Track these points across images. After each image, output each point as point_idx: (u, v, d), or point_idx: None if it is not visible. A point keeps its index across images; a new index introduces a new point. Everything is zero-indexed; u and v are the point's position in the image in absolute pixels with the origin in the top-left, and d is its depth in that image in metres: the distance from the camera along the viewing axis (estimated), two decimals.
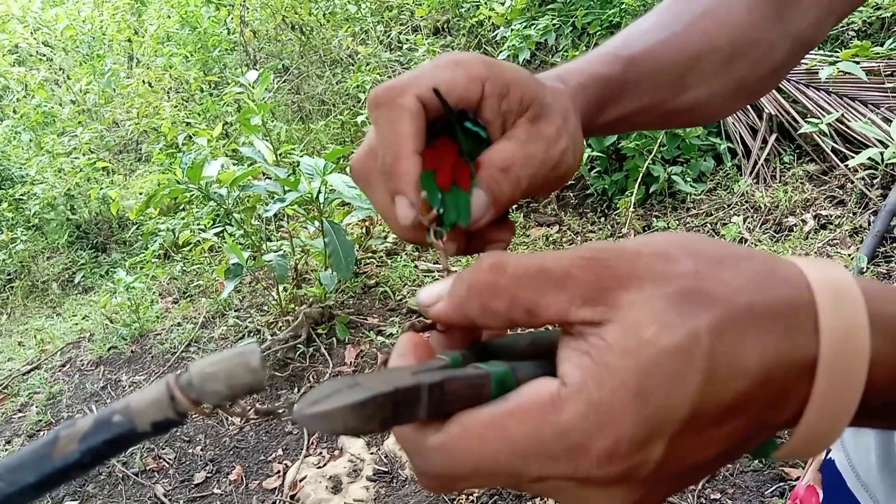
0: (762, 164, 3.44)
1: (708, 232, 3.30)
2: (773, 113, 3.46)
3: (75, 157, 5.74)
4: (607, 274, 0.28)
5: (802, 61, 2.42)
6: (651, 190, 3.56)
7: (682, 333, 0.26)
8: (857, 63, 3.18)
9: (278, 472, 2.55)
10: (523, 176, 0.38)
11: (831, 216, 3.06)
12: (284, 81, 5.62)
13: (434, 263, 3.63)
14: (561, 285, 0.28)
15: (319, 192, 2.96)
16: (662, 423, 0.26)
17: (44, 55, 7.39)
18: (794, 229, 3.08)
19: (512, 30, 4.28)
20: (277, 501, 2.39)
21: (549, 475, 0.27)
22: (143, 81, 5.90)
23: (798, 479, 1.75)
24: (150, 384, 0.31)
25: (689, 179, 3.56)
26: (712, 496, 1.98)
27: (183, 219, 4.17)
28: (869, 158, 2.91)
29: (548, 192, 0.42)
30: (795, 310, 0.27)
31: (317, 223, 3.12)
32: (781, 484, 1.97)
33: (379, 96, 0.38)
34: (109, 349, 3.79)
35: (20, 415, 3.41)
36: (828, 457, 0.69)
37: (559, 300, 0.28)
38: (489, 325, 0.31)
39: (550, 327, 0.31)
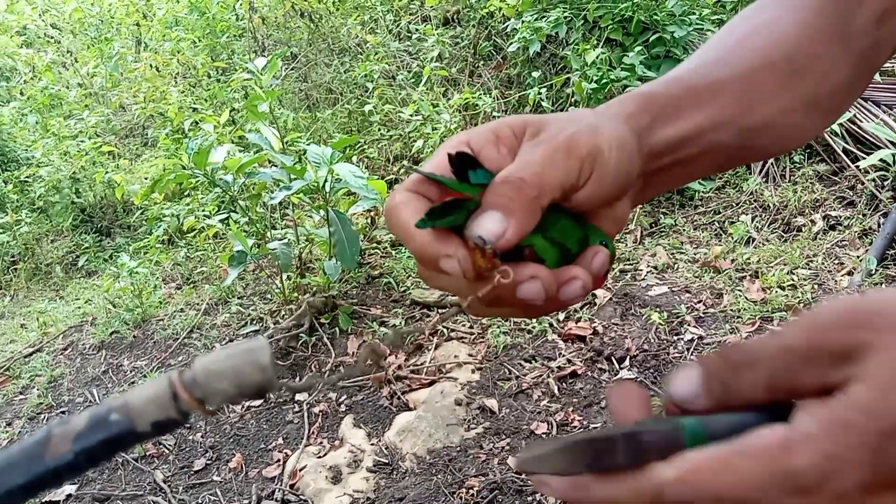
0: (772, 163, 3.41)
1: (715, 230, 3.27)
2: None
3: (81, 141, 5.73)
4: (856, 333, 0.28)
5: None
6: None
7: None
8: None
9: (278, 460, 2.55)
10: (528, 176, 0.38)
11: (841, 217, 3.04)
12: (292, 69, 5.60)
13: None
14: (812, 361, 0.29)
15: (326, 180, 2.94)
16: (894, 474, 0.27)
17: (52, 37, 7.37)
18: (803, 229, 3.06)
19: (522, 22, 4.24)
20: (277, 490, 2.38)
21: None
22: (151, 66, 5.88)
23: None
24: (151, 375, 0.29)
25: None
26: None
27: (188, 205, 4.15)
28: (880, 160, 2.88)
29: (604, 187, 0.41)
30: None
31: (322, 212, 3.11)
32: None
33: (384, 216, 0.41)
34: (111, 333, 3.78)
35: (21, 397, 3.41)
36: None
37: (814, 375, 0.29)
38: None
39: None
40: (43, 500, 2.57)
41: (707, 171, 0.50)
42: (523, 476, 2.15)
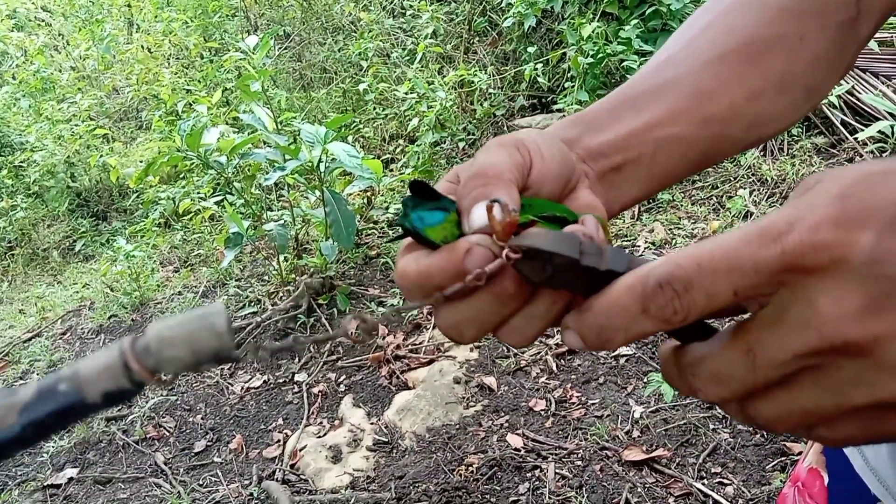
0: None
1: (713, 205, 3.26)
2: None
3: (75, 124, 5.69)
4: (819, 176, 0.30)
5: None
6: None
7: (894, 162, 0.28)
8: None
9: (278, 441, 2.56)
10: (481, 167, 0.38)
11: None
12: (285, 48, 5.54)
13: None
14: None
15: (320, 160, 2.92)
16: (866, 216, 0.27)
17: (42, 20, 7.29)
18: None
19: None
20: (277, 470, 2.39)
21: (759, 263, 0.28)
22: (143, 47, 5.83)
23: (800, 454, 1.74)
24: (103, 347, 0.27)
25: None
26: (713, 469, 1.98)
27: (183, 187, 4.14)
28: (879, 131, 2.86)
29: (548, 164, 0.41)
30: None
31: (318, 192, 3.09)
32: (783, 458, 1.96)
33: (400, 286, 0.40)
34: (110, 317, 3.78)
35: (21, 382, 3.42)
36: None
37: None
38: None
39: None
40: (45, 484, 2.58)
41: (686, 168, 0.48)
42: (522, 453, 2.16)
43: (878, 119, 2.95)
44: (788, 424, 0.31)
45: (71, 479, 2.60)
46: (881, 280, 0.26)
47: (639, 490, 1.95)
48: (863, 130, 2.98)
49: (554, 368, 2.52)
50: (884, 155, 2.97)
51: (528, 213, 0.38)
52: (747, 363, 0.29)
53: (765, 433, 2.06)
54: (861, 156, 3.04)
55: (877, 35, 3.18)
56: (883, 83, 3.16)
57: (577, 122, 0.46)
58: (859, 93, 3.16)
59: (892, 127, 2.84)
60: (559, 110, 3.94)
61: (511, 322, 0.37)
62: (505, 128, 4.28)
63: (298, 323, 3.14)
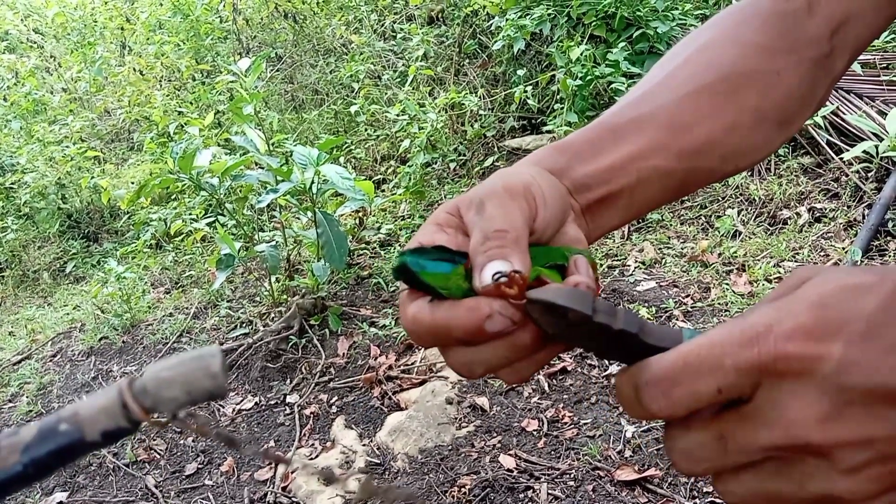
0: None
1: (702, 224, 3.29)
2: None
3: (66, 146, 5.69)
4: (804, 273, 0.34)
5: None
6: None
7: (872, 277, 0.31)
8: None
9: (270, 463, 2.54)
10: (499, 226, 0.40)
11: (826, 209, 3.06)
12: (277, 70, 5.58)
13: None
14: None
15: (312, 182, 2.94)
16: (837, 328, 0.30)
17: (34, 42, 7.31)
18: (789, 222, 3.08)
19: (507, 19, 4.24)
20: (269, 493, 2.38)
21: (739, 363, 0.31)
22: (135, 69, 5.85)
23: None
24: (103, 388, 0.29)
25: None
26: (705, 489, 1.98)
27: (175, 209, 4.13)
28: (864, 151, 2.90)
29: (549, 209, 0.43)
30: None
31: (309, 214, 3.10)
32: None
33: (410, 335, 0.42)
34: (101, 339, 3.76)
35: (10, 405, 3.39)
36: None
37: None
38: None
39: None
40: None
41: (663, 198, 0.50)
42: (515, 473, 2.16)
43: (862, 139, 3.00)
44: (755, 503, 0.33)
45: (61, 503, 2.57)
46: (844, 390, 0.30)
47: None
48: (848, 150, 3.02)
49: (546, 388, 2.52)
50: (869, 175, 3.01)
51: (532, 263, 0.40)
52: (719, 448, 0.33)
53: None
54: (846, 175, 3.08)
55: (860, 57, 3.23)
56: (867, 104, 3.21)
57: (563, 150, 0.48)
58: (844, 113, 3.21)
59: (876, 147, 2.88)
60: (549, 131, 3.97)
61: (515, 364, 0.40)
62: (495, 148, 4.32)
63: (290, 344, 3.14)
